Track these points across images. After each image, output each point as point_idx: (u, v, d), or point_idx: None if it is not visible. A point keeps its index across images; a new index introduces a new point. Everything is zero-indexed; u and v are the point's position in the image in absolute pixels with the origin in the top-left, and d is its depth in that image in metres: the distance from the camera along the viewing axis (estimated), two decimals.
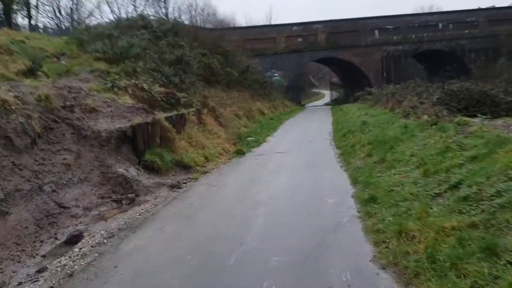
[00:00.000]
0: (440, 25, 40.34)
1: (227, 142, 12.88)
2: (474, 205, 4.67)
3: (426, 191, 5.71)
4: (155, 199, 7.69)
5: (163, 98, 12.75)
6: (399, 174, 6.85)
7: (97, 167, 8.05)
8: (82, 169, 7.74)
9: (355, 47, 38.93)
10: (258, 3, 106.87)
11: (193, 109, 12.49)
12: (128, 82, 12.38)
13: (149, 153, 9.12)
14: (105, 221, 6.68)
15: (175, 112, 11.42)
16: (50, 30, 31.00)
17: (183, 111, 11.98)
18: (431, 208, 5.04)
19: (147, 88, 12.60)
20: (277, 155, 11.21)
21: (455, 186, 5.38)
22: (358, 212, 5.76)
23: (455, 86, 12.16)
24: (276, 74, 38.12)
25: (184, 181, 8.84)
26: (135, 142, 9.01)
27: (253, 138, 14.09)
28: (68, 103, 8.88)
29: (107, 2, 33.85)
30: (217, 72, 20.21)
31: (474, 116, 10.65)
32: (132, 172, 8.40)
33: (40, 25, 32.13)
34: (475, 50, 40.37)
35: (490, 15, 40.44)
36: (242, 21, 59.02)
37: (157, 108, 12.58)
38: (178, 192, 8.03)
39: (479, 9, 41.17)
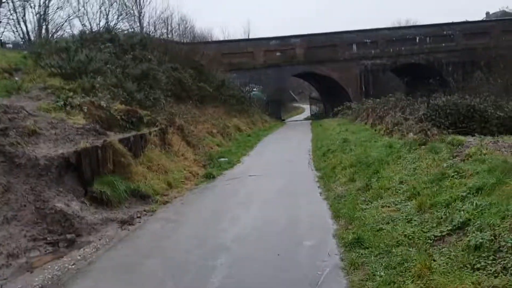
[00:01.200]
0: (417, 38, 40.24)
1: (196, 164, 11.65)
2: (491, 257, 3.59)
3: (424, 232, 4.62)
4: (99, 240, 6.40)
5: (123, 117, 11.49)
6: (388, 206, 5.76)
7: (31, 202, 6.72)
8: (11, 206, 6.41)
9: (333, 61, 38.45)
10: (236, 18, 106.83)
11: (156, 129, 11.24)
12: (83, 100, 11.08)
13: (98, 182, 7.82)
14: (31, 272, 5.38)
15: (133, 133, 10.15)
16: (17, 45, 29.38)
17: (145, 130, 10.74)
18: (434, 259, 3.93)
19: (105, 105, 11.33)
20: (251, 179, 10.05)
21: (460, 227, 4.30)
22: (342, 260, 4.60)
23: (441, 100, 11.26)
24: (255, 89, 37.26)
25: (139, 215, 7.57)
26: (81, 170, 7.71)
27: (226, 159, 12.89)
28: (1, 126, 7.58)
29: (78, 17, 32.15)
30: (188, 88, 19.03)
31: (465, 133, 9.76)
32: (75, 206, 7.08)
33: (6, 39, 30.42)
34: (452, 63, 40.34)
35: (465, 28, 40.61)
36: (220, 35, 58.29)
37: (116, 128, 11.32)
38: (129, 230, 6.75)
39: (454, 23, 41.27)
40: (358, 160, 8.82)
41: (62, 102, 10.92)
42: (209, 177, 10.52)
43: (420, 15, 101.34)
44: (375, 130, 13.14)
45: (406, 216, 5.13)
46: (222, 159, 12.78)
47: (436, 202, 5.05)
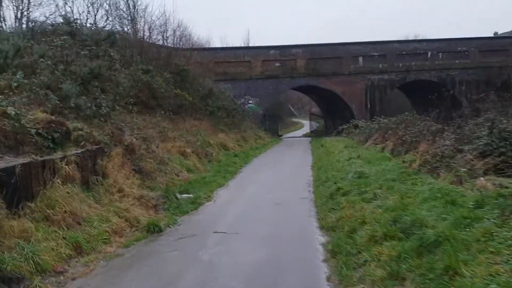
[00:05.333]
0: (429, 53, 36.82)
1: (142, 204, 7.84)
2: None
3: None
4: None
5: (39, 131, 7.77)
6: None
7: None
8: None
9: (337, 74, 35.06)
10: (235, 26, 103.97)
11: (78, 151, 7.45)
12: None
13: None
14: None
15: (27, 159, 6.35)
16: None
17: (56, 155, 6.97)
18: None
19: (13, 113, 7.59)
20: (213, 242, 6.22)
21: None
22: None
23: (510, 125, 7.51)
24: (250, 102, 33.90)
25: None
26: None
27: (190, 195, 9.08)
28: None
29: (61, 15, 28.29)
30: (161, 95, 15.29)
31: None
32: None
33: None
34: (466, 81, 36.98)
35: (481, 45, 37.21)
36: (218, 45, 54.77)
37: (28, 146, 7.61)
38: None
39: (469, 38, 37.83)
40: (399, 224, 4.96)
41: None
42: (153, 230, 6.72)
43: (428, 34, 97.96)
44: (404, 162, 9.37)
45: None
46: (185, 195, 8.96)
47: None
